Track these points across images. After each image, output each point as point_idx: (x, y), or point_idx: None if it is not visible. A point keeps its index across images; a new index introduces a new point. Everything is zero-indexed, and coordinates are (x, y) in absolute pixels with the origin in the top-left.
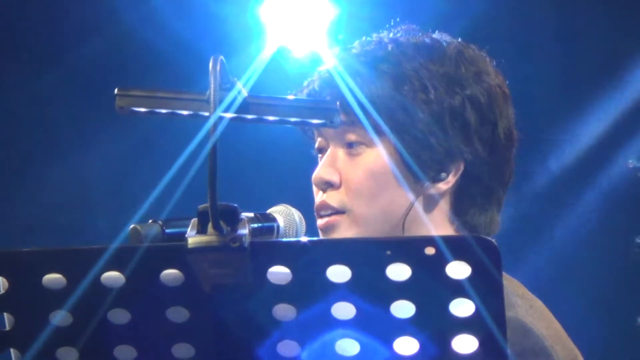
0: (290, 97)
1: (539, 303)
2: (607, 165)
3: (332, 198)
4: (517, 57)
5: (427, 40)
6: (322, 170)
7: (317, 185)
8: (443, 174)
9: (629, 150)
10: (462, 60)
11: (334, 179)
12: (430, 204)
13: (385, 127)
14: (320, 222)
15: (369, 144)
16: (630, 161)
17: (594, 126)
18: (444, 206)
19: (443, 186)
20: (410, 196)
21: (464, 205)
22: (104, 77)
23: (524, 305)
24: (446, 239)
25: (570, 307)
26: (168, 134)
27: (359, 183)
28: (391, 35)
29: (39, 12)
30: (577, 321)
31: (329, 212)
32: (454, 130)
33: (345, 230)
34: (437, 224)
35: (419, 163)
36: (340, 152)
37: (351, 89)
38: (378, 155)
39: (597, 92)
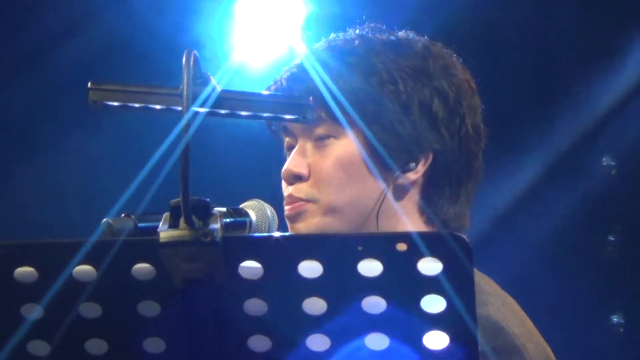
0: (264, 92)
1: (510, 300)
2: (581, 163)
3: (300, 190)
4: (488, 57)
5: (393, 38)
6: (291, 164)
7: (286, 180)
8: (412, 164)
9: (603, 148)
10: (429, 55)
11: (303, 171)
12: (400, 194)
13: (354, 118)
14: (286, 209)
15: (338, 136)
16: (604, 159)
17: (568, 124)
18: (414, 197)
19: (412, 176)
20: (380, 185)
21: (434, 196)
22: (77, 72)
23: (496, 302)
24: (418, 235)
25: (543, 305)
26: (142, 129)
27: (328, 173)
28: (357, 32)
29: (12, 8)
30: (550, 319)
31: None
32: (422, 120)
33: (312, 217)
34: (408, 215)
35: (387, 152)
36: (309, 146)
37: (319, 81)
38: (347, 146)
39: (572, 90)
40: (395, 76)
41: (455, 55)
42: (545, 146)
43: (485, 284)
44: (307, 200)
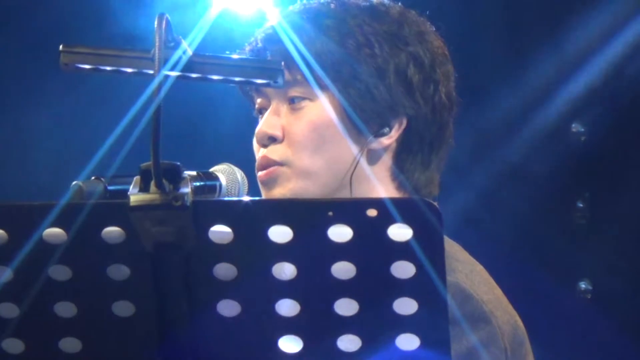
0: (235, 56)
1: (479, 267)
2: (551, 130)
3: (274, 152)
4: (457, 22)
5: (369, 3)
6: (264, 125)
7: (259, 141)
8: (386, 129)
9: (572, 115)
10: (405, 21)
11: (277, 133)
12: (373, 159)
13: (329, 81)
14: (261, 174)
15: (312, 98)
16: (573, 125)
17: (537, 91)
18: (386, 161)
19: (386, 141)
20: (354, 149)
21: (406, 162)
22: (48, 34)
23: (465, 270)
24: (389, 201)
25: (511, 271)
26: (114, 91)
27: (302, 136)
28: None
29: None
30: (518, 286)
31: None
32: (397, 85)
33: (286, 181)
34: (380, 180)
35: (362, 116)
36: (283, 108)
37: (295, 44)
38: (321, 109)
39: (540, 56)
40: (371, 40)
41: (428, 24)
42: (515, 112)
43: (454, 251)
44: (281, 164)
